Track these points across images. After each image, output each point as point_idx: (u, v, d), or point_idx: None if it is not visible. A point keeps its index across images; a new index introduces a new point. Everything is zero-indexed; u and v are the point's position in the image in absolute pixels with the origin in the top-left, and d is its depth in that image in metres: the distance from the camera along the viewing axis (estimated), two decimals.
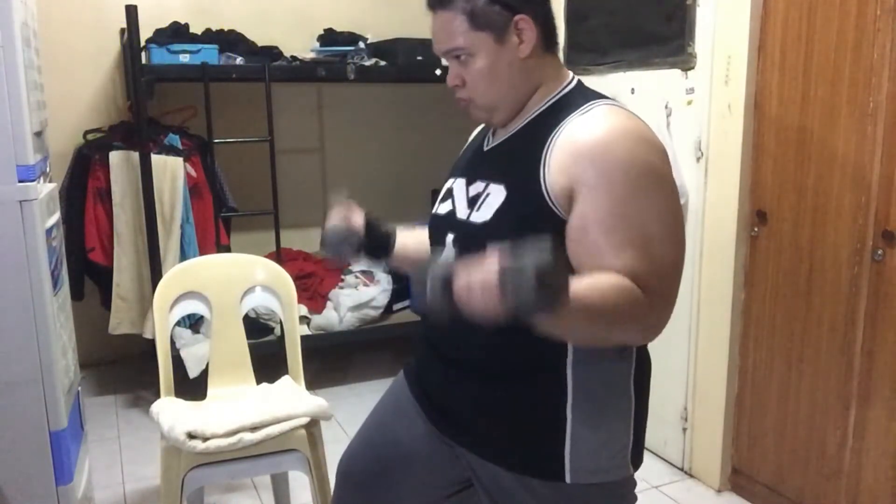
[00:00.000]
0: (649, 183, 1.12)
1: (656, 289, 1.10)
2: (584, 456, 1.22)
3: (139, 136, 3.08)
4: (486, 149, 1.33)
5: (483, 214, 1.23)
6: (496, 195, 1.22)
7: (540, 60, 1.24)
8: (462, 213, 1.28)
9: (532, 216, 1.16)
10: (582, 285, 1.02)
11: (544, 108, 1.25)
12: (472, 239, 1.24)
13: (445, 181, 1.39)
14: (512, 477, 1.26)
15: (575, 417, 1.21)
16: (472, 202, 1.26)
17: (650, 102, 2.69)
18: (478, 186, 1.27)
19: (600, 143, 1.12)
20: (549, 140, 1.17)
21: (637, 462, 1.29)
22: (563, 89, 1.26)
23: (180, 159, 3.22)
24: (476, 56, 1.21)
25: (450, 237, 1.30)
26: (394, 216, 5.11)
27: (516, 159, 1.22)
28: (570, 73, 1.30)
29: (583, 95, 1.24)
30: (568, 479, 1.22)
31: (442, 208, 1.35)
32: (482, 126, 1.42)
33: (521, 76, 1.23)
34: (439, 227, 1.35)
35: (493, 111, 1.27)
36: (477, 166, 1.32)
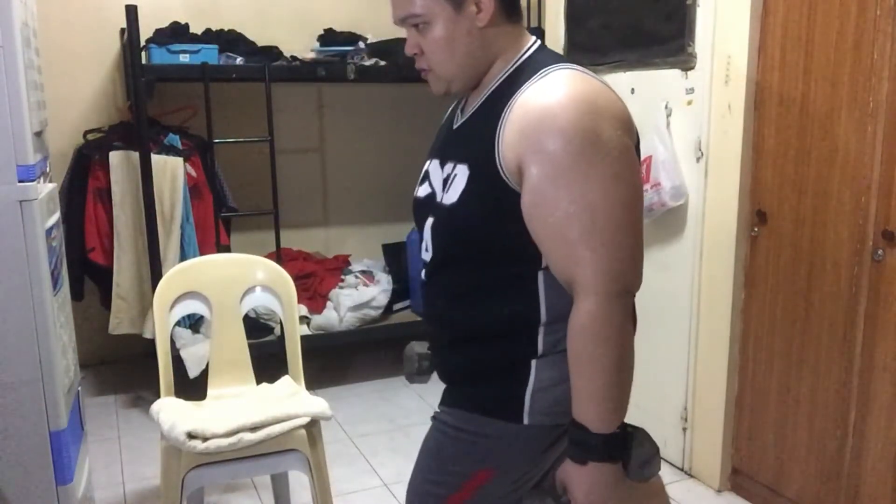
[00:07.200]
0: (594, 153, 1.08)
1: (612, 281, 1.10)
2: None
3: (139, 136, 3.08)
4: (454, 127, 1.29)
5: (451, 196, 1.20)
6: (462, 176, 1.19)
7: (499, 30, 1.20)
8: (440, 195, 1.25)
9: (494, 196, 1.14)
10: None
11: (503, 79, 1.21)
12: (443, 222, 1.23)
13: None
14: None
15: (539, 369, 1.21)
16: (445, 184, 1.23)
17: (650, 102, 2.69)
18: (448, 168, 1.24)
19: (546, 113, 1.09)
20: (504, 113, 1.14)
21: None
22: (521, 57, 1.22)
23: (180, 159, 3.22)
24: (433, 24, 1.17)
25: (429, 221, 1.27)
26: (393, 216, 5.10)
27: (476, 137, 1.19)
28: (532, 38, 1.25)
29: (540, 61, 1.19)
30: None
31: (421, 191, 1.32)
32: (454, 104, 1.38)
33: (479, 46, 1.19)
34: (419, 210, 1.32)
35: (451, 81, 1.23)
36: (447, 146, 1.29)
